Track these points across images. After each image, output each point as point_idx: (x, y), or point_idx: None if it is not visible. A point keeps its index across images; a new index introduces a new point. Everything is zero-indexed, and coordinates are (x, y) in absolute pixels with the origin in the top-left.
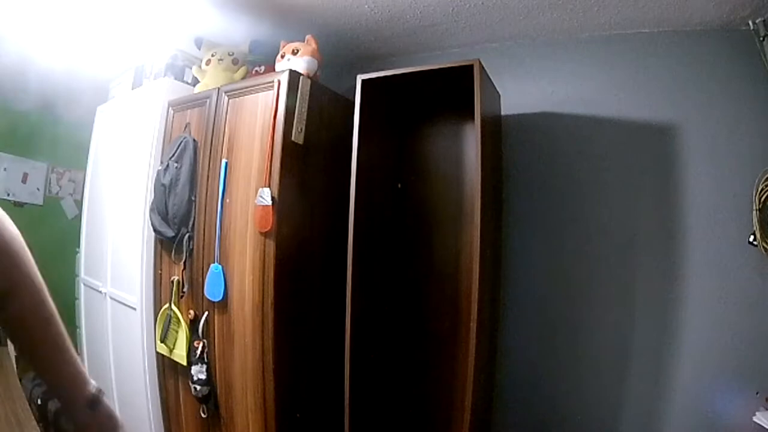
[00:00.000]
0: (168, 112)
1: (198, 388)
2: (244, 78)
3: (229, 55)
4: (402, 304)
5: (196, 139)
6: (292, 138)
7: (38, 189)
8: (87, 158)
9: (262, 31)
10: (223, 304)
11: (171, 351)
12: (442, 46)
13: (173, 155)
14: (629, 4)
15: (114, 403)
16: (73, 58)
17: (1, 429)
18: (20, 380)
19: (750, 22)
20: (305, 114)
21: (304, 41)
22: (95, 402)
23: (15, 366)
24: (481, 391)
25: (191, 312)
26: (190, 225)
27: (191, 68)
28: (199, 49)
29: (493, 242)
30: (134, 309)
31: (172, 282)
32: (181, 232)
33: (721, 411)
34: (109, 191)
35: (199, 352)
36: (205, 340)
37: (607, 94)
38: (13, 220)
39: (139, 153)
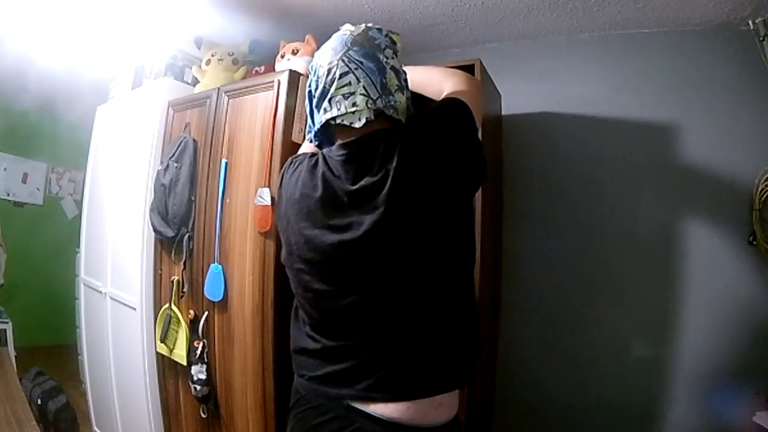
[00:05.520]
0: (168, 112)
1: (198, 388)
2: (244, 78)
3: (229, 55)
4: None
5: (196, 139)
6: (292, 138)
7: (38, 189)
8: (87, 158)
9: (262, 31)
10: (223, 304)
11: (171, 351)
12: (442, 46)
13: (173, 155)
14: (629, 4)
15: (114, 403)
16: (73, 58)
17: (1, 429)
18: (20, 380)
19: (750, 22)
20: (305, 114)
21: (304, 41)
22: None
23: (15, 366)
24: (479, 394)
25: (191, 312)
26: (190, 225)
27: (191, 68)
28: (199, 49)
29: (493, 242)
30: (134, 309)
31: (172, 282)
32: (181, 232)
33: (721, 411)
34: (109, 191)
35: (199, 352)
36: (205, 340)
37: (607, 94)
38: (13, 220)
39: (139, 153)
